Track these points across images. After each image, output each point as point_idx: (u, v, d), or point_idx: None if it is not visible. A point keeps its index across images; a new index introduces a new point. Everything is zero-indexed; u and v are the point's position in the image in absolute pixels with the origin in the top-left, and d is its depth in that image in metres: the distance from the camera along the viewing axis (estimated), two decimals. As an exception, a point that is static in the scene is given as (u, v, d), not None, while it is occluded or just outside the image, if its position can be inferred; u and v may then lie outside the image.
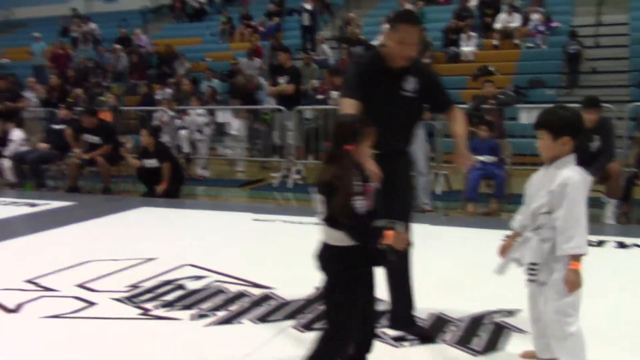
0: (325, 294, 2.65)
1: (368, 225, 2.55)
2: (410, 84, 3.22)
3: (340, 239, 2.55)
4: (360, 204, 2.51)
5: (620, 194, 6.49)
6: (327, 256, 2.61)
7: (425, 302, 3.64)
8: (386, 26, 15.50)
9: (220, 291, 4.19)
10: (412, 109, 3.29)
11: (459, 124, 3.36)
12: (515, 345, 3.23)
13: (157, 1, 21.79)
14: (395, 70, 3.18)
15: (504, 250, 2.95)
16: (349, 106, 3.02)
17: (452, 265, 4.75)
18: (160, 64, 16.65)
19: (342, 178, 2.49)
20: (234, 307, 3.87)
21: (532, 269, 2.77)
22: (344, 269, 2.59)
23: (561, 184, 2.65)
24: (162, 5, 21.64)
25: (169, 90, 13.38)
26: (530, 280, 2.80)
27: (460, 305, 3.77)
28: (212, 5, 20.98)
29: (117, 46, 17.31)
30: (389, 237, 2.50)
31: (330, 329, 2.64)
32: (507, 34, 14.62)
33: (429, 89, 3.30)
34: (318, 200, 2.56)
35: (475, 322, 3.54)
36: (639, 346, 3.27)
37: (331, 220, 2.52)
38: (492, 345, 3.26)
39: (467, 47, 14.28)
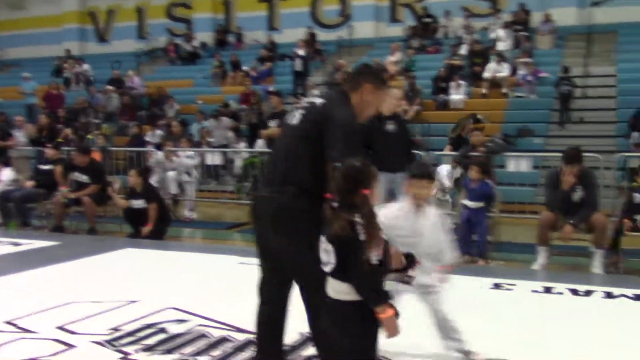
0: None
1: (381, 280, 2.49)
2: None
3: (348, 292, 2.47)
4: (375, 254, 2.43)
5: (608, 243, 6.49)
6: (339, 314, 2.51)
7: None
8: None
9: (202, 335, 4.11)
10: None
11: None
12: None
13: (151, 44, 22.03)
14: None
15: None
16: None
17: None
18: (151, 105, 16.74)
19: (370, 227, 2.41)
20: (216, 352, 3.79)
21: None
22: (361, 326, 2.48)
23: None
24: (156, 48, 21.87)
25: (158, 132, 13.42)
26: None
27: (449, 353, 3.70)
28: (206, 50, 21.23)
29: (109, 87, 17.42)
30: (385, 317, 2.43)
31: None
32: (495, 83, 14.86)
33: None
34: (325, 250, 2.50)
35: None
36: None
37: (342, 273, 2.45)
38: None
39: (457, 95, 14.47)
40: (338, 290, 2.50)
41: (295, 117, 2.90)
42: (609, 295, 5.26)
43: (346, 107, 2.85)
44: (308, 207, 2.79)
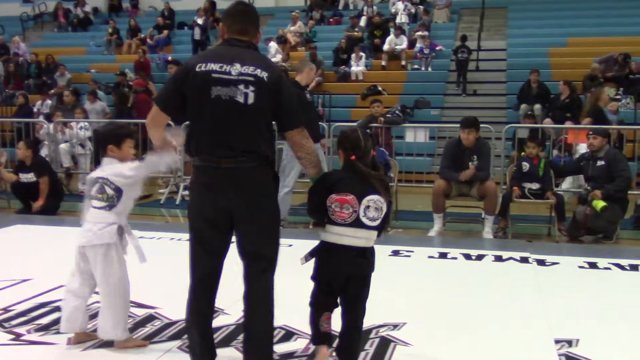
0: (365, 290, 3.02)
1: None
2: None
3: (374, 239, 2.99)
4: None
5: (497, 210, 6.84)
6: (373, 257, 3.02)
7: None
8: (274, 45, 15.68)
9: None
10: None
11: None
12: (401, 357, 3.29)
13: (38, 8, 20.76)
14: None
15: None
16: None
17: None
18: (40, 73, 15.84)
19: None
20: (115, 329, 3.68)
21: None
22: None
23: None
24: (44, 13, 20.64)
25: (49, 102, 12.74)
26: None
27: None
28: (98, 16, 20.28)
29: (-8, 53, 16.33)
30: None
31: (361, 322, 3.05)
32: (394, 56, 15.15)
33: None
34: (376, 208, 2.92)
35: (362, 336, 3.57)
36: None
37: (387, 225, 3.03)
38: (378, 358, 3.30)
39: (357, 67, 14.65)
40: (373, 239, 2.99)
41: (242, 94, 2.83)
42: (498, 258, 5.56)
43: (287, 78, 3.01)
44: (273, 175, 3.01)
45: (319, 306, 3.04)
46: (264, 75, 2.86)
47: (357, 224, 2.91)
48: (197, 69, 2.87)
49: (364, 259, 2.97)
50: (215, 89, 2.84)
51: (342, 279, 2.98)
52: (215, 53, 3.01)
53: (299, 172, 6.83)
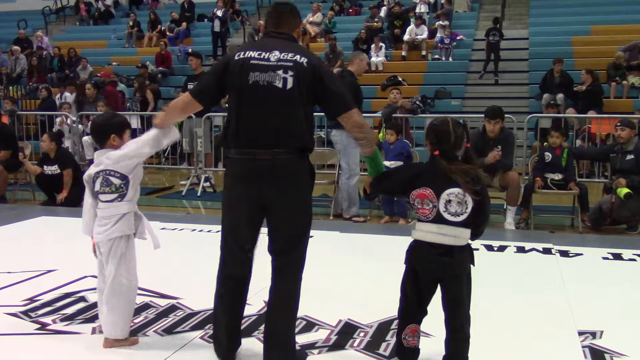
0: (461, 293, 2.83)
1: None
2: None
3: (467, 238, 2.81)
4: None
5: (520, 201, 6.78)
6: (464, 256, 2.83)
7: (333, 308, 3.64)
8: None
9: (124, 303, 4.02)
10: None
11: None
12: (421, 348, 3.28)
13: (60, 2, 20.94)
14: None
15: None
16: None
17: (358, 272, 4.79)
18: (62, 67, 16.00)
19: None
20: (139, 319, 3.72)
21: None
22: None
23: None
24: (66, 7, 20.82)
25: (68, 95, 12.87)
26: None
27: (368, 311, 3.79)
28: (119, 9, 20.40)
29: (16, 47, 16.50)
30: None
31: (467, 330, 2.86)
32: (414, 46, 15.05)
33: None
34: (459, 202, 2.74)
35: (383, 328, 3.58)
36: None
37: (474, 220, 2.79)
38: (400, 350, 3.30)
39: (377, 58, 14.58)
40: (463, 237, 2.80)
41: (281, 79, 2.80)
42: (520, 249, 5.52)
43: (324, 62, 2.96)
44: (310, 167, 2.97)
45: (404, 317, 2.94)
46: (304, 60, 2.84)
47: (439, 219, 2.78)
48: (236, 58, 2.89)
49: (451, 257, 2.78)
50: (253, 75, 2.82)
51: (427, 279, 2.87)
52: (255, 43, 3.07)
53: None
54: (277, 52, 2.85)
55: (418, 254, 2.86)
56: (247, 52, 2.89)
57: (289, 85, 2.80)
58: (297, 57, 2.85)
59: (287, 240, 2.91)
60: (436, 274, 2.85)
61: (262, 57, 2.85)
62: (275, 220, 2.90)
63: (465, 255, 2.83)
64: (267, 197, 2.85)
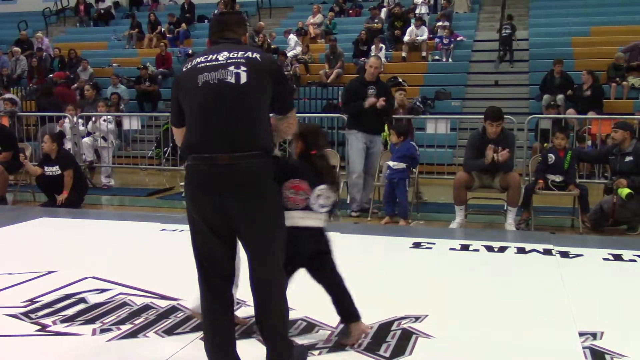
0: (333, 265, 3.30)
1: None
2: None
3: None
4: None
5: (520, 202, 6.78)
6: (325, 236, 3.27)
7: (334, 309, 3.64)
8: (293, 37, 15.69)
9: (124, 304, 4.03)
10: None
11: None
12: (422, 350, 3.28)
13: (61, 3, 20.94)
14: None
15: None
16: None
17: (358, 273, 4.79)
18: (63, 68, 16.00)
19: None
20: (139, 320, 3.73)
21: None
22: None
23: None
24: (66, 8, 20.82)
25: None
26: None
27: (369, 312, 3.78)
28: (119, 10, 20.40)
29: (16, 48, 16.50)
30: None
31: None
32: (414, 47, 15.05)
33: None
34: (326, 197, 3.10)
35: (384, 329, 3.58)
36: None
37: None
38: (400, 351, 3.30)
39: (377, 59, 14.55)
40: (322, 220, 3.19)
41: (233, 75, 2.61)
42: (521, 250, 5.52)
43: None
44: (272, 168, 2.73)
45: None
46: (256, 55, 2.69)
47: (308, 208, 3.12)
48: (183, 69, 2.78)
49: (322, 235, 3.30)
50: (202, 77, 2.64)
51: (307, 256, 3.27)
52: (202, 52, 2.84)
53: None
54: (225, 53, 2.69)
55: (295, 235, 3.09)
56: (194, 60, 2.75)
57: (243, 79, 2.61)
58: (249, 53, 2.68)
59: (261, 255, 2.71)
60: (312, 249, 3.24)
61: (209, 59, 2.69)
62: (243, 232, 2.69)
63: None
64: (230, 208, 2.61)
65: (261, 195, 2.65)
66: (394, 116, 8.38)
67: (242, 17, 3.03)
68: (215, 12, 16.82)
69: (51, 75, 14.70)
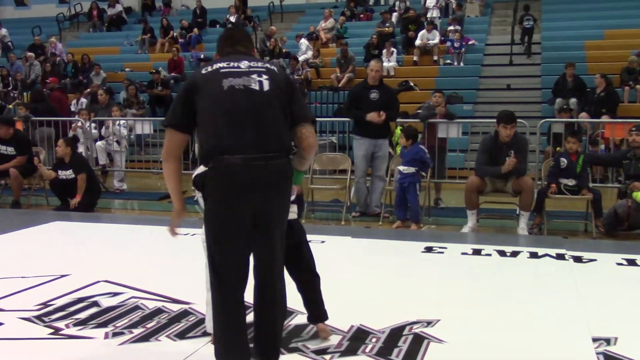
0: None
1: None
2: None
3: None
4: None
5: (533, 206, 6.73)
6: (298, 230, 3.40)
7: (345, 313, 3.64)
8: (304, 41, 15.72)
9: (137, 307, 4.05)
10: None
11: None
12: (434, 354, 3.27)
13: (74, 9, 21.11)
14: None
15: None
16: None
17: (370, 278, 4.78)
18: (76, 73, 16.12)
19: None
20: (151, 324, 3.74)
21: None
22: None
23: None
24: (79, 13, 20.98)
25: (84, 100, 12.97)
26: None
27: (380, 316, 3.78)
28: (131, 15, 20.53)
29: (30, 54, 16.64)
30: None
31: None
32: (426, 51, 15.03)
33: None
34: None
35: (396, 333, 3.56)
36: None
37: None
38: (412, 355, 3.28)
39: (388, 63, 14.56)
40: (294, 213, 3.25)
41: (257, 82, 2.73)
42: (534, 255, 5.48)
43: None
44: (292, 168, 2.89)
45: None
46: (274, 67, 2.86)
47: None
48: (202, 72, 2.80)
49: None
50: (227, 81, 2.71)
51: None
52: (219, 59, 2.89)
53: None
54: (246, 62, 2.79)
55: None
56: (214, 65, 2.80)
57: (266, 87, 2.73)
58: (267, 65, 2.86)
59: (273, 255, 2.82)
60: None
61: (231, 65, 2.77)
62: (262, 232, 2.76)
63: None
64: (261, 209, 2.71)
65: (284, 195, 2.83)
66: (429, 120, 8.36)
67: (248, 34, 3.16)
68: (227, 17, 16.97)
69: (47, 81, 14.89)
